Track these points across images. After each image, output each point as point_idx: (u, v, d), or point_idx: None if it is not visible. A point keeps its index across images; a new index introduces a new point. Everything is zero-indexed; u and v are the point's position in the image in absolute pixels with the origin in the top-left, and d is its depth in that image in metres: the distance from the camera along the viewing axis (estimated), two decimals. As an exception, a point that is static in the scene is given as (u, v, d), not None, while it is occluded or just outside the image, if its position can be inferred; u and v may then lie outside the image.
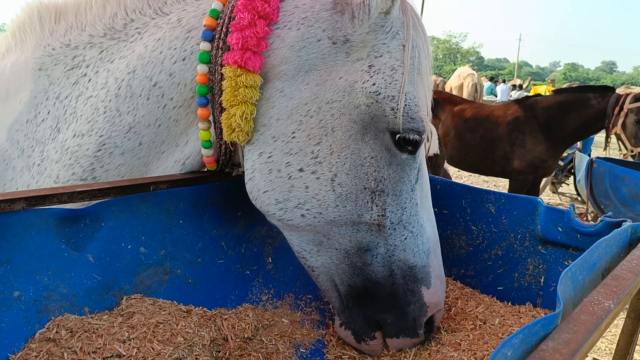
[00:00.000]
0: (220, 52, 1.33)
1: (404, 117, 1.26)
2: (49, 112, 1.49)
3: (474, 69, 16.61)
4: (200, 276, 1.51)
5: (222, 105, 1.32)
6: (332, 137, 1.27)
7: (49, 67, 1.50)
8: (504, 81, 23.96)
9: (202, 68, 1.34)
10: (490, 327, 1.51)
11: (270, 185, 1.33)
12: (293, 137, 1.29)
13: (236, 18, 1.29)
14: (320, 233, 1.34)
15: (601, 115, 5.81)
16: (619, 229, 1.28)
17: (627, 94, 5.72)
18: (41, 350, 1.13)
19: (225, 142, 1.40)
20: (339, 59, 1.29)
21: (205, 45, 1.34)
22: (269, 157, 1.32)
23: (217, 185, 1.53)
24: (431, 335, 1.49)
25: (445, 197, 1.80)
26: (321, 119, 1.28)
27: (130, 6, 1.49)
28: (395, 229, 1.33)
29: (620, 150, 6.41)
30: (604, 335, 4.96)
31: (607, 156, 5.55)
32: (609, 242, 1.20)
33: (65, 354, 1.13)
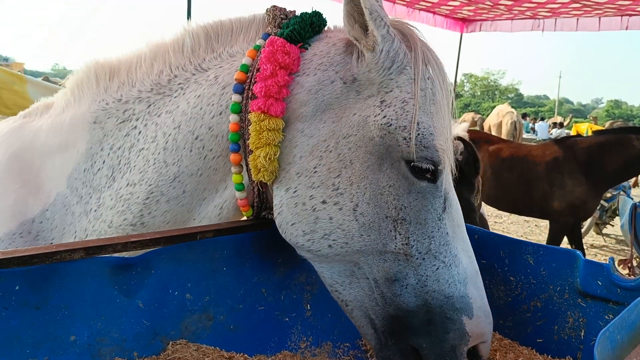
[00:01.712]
0: (250, 101, 1.44)
1: (416, 146, 1.32)
2: (104, 162, 1.62)
3: (509, 106, 16.51)
4: (242, 322, 1.56)
5: (249, 148, 1.43)
6: (351, 169, 1.35)
7: (103, 120, 1.63)
8: (542, 119, 23.63)
9: (234, 117, 1.47)
10: (529, 381, 1.50)
11: (297, 218, 1.40)
12: (315, 172, 1.38)
13: (260, 69, 1.42)
14: (350, 263, 1.38)
15: None
16: (660, 286, 1.28)
17: None
18: (93, 394, 1.19)
19: (257, 184, 1.49)
20: (351, 97, 1.40)
21: (236, 97, 1.47)
22: (295, 191, 1.40)
23: (259, 233, 1.60)
24: None
25: (483, 247, 1.81)
26: (339, 153, 1.36)
27: (175, 63, 1.62)
28: (424, 258, 1.33)
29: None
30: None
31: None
32: (649, 300, 1.20)
33: (115, 398, 1.19)
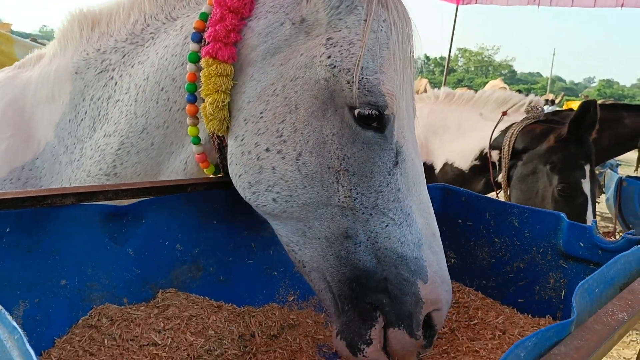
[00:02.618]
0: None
1: (360, 90, 1.23)
2: (86, 113, 1.65)
3: (502, 82, 16.47)
4: (231, 275, 1.58)
5: (202, 96, 1.39)
6: (296, 114, 1.28)
7: (84, 71, 1.65)
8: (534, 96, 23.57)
9: (190, 67, 1.42)
10: (509, 338, 1.55)
11: (243, 168, 1.35)
12: (261, 117, 1.33)
13: (211, 14, 1.39)
14: (301, 221, 1.32)
15: (634, 135, 5.75)
16: (638, 245, 1.31)
17: None
18: (84, 336, 1.22)
19: (215, 137, 1.45)
20: (300, 39, 1.33)
21: (194, 46, 1.43)
22: (242, 139, 1.36)
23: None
24: (434, 344, 1.38)
25: (470, 209, 1.84)
26: (286, 97, 1.30)
27: (149, 12, 1.62)
28: (371, 214, 1.27)
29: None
30: (629, 358, 4.87)
31: (638, 175, 5.49)
32: (628, 258, 1.24)
33: (105, 340, 1.22)
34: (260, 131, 1.32)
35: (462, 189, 1.87)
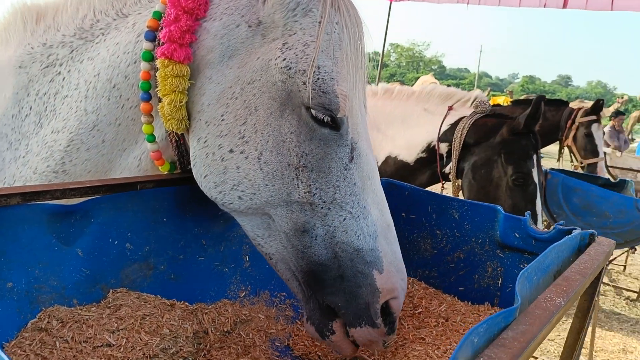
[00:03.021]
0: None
1: (314, 91, 1.27)
2: (30, 108, 1.59)
3: (432, 77, 16.99)
4: (182, 272, 1.58)
5: (159, 96, 1.40)
6: (256, 115, 1.32)
7: (28, 65, 1.59)
8: (464, 91, 24.43)
9: (144, 65, 1.42)
10: (452, 324, 1.64)
11: (208, 170, 1.38)
12: (222, 120, 1.35)
13: (165, 14, 1.39)
14: (265, 216, 1.37)
15: (555, 128, 6.13)
16: (569, 235, 1.42)
17: (579, 108, 6.05)
18: (34, 339, 1.18)
19: (174, 135, 1.48)
20: (256, 41, 1.35)
21: (147, 45, 1.42)
22: (205, 141, 1.38)
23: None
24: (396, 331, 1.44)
25: (412, 203, 1.92)
26: (245, 100, 1.33)
27: (98, 7, 1.58)
28: (330, 208, 1.31)
29: (572, 162, 6.75)
30: (553, 339, 5.21)
31: (561, 168, 5.85)
32: (561, 247, 1.34)
33: (57, 343, 1.19)
34: (222, 133, 1.34)
35: (405, 183, 1.95)
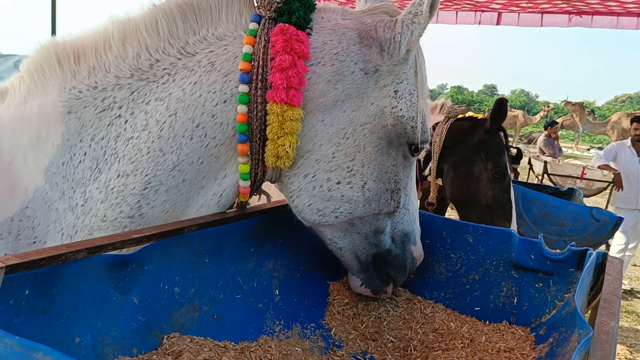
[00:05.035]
0: (260, 91, 1.48)
1: (421, 133, 1.59)
2: (85, 154, 1.52)
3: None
4: (223, 312, 1.59)
5: (268, 137, 1.49)
6: (364, 152, 1.55)
7: (79, 110, 1.52)
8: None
9: (242, 108, 1.48)
10: (479, 345, 1.73)
11: (313, 200, 1.59)
12: (333, 157, 1.54)
13: (277, 59, 1.44)
14: (347, 224, 1.65)
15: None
16: (591, 257, 1.55)
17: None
18: (109, 394, 1.17)
19: (261, 170, 1.58)
20: (369, 87, 1.54)
21: (244, 88, 1.48)
22: (314, 176, 1.57)
23: (236, 225, 1.63)
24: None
25: (427, 228, 2.01)
26: (355, 139, 1.54)
27: (152, 46, 1.54)
28: (400, 211, 1.69)
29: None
30: None
31: (518, 179, 6.16)
32: (590, 269, 1.47)
33: (132, 396, 1.18)
34: (332, 169, 1.53)
35: (420, 211, 2.04)
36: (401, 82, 1.54)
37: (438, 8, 1.48)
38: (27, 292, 1.09)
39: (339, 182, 1.54)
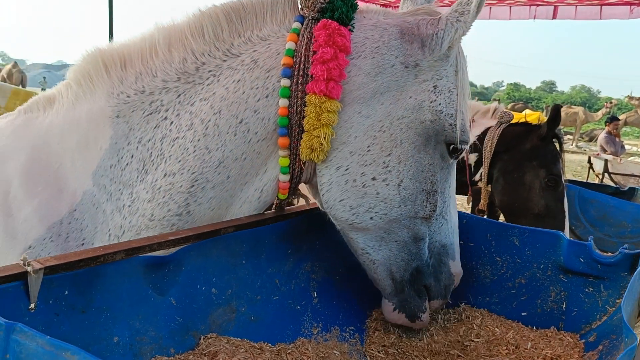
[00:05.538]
0: (301, 86, 1.50)
1: (460, 131, 1.54)
2: (132, 156, 1.56)
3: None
4: (261, 313, 1.60)
5: (304, 129, 1.49)
6: (401, 148, 1.51)
7: (127, 114, 1.57)
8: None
9: (283, 102, 1.50)
10: (524, 351, 1.66)
11: (346, 194, 1.54)
12: (368, 151, 1.51)
13: (318, 52, 1.47)
14: (382, 230, 1.57)
15: None
16: (642, 261, 1.46)
17: None
18: (145, 393, 1.20)
19: (298, 166, 1.57)
20: (409, 80, 1.53)
21: (285, 82, 1.50)
22: (347, 169, 1.53)
23: (272, 226, 1.64)
24: None
25: (471, 231, 1.95)
26: (392, 133, 1.51)
27: (198, 50, 1.58)
28: (437, 219, 1.61)
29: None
30: None
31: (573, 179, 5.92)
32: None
33: (168, 395, 1.20)
34: (367, 162, 1.51)
35: (462, 212, 1.98)
36: (441, 79, 1.53)
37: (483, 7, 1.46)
38: (66, 292, 1.13)
39: (374, 178, 1.51)
